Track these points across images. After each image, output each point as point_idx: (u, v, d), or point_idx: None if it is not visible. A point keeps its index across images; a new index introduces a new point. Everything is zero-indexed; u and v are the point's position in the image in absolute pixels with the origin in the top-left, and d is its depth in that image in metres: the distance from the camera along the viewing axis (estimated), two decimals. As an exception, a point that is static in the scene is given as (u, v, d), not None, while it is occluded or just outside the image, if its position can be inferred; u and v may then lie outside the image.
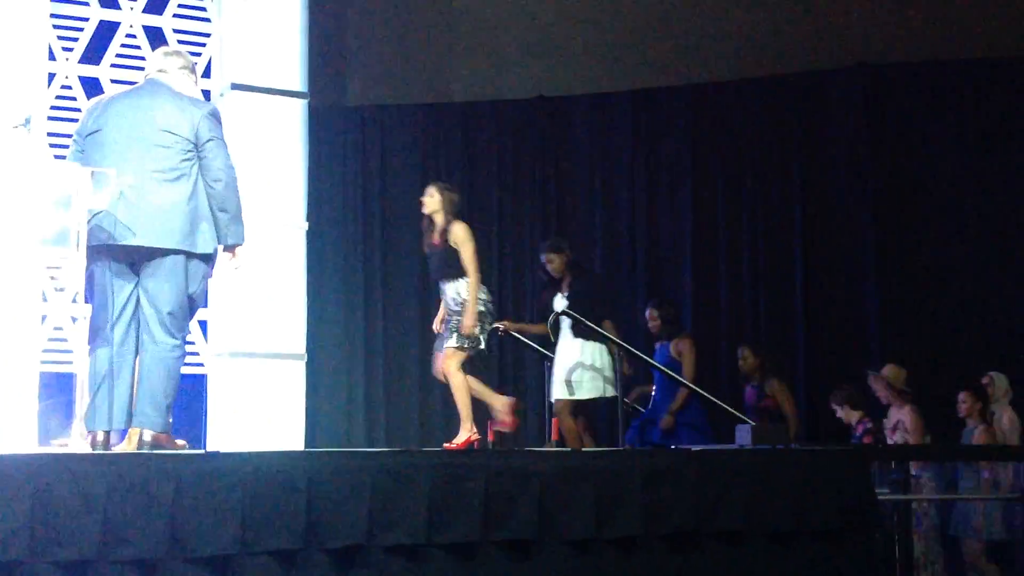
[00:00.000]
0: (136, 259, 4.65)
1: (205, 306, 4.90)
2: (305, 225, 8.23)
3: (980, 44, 8.61)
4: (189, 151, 4.66)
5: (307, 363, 8.23)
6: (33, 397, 6.74)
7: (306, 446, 7.85)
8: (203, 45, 8.23)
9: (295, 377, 8.05)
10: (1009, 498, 6.69)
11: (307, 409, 8.16)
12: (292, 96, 8.26)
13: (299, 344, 8.07)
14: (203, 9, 8.26)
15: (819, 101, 8.87)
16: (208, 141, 4.68)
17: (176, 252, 4.61)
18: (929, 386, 7.82)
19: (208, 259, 4.72)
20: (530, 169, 9.44)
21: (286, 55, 8.26)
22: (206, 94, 8.20)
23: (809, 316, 8.61)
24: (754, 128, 8.99)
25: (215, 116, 4.77)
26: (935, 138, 8.59)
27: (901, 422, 7.29)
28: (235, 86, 8.06)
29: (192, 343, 8.08)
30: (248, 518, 4.06)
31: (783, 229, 8.81)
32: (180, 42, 8.14)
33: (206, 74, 8.23)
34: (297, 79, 8.31)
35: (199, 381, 8.01)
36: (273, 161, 8.06)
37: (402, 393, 9.20)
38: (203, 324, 8.13)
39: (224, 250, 4.79)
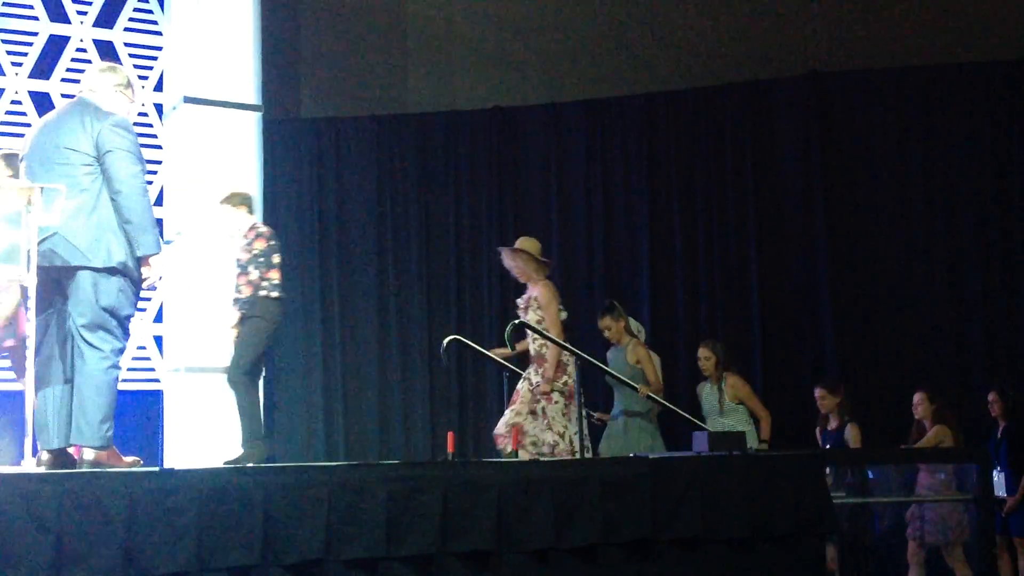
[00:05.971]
0: (60, 277, 4.65)
1: (130, 316, 4.80)
2: (261, 238, 8.17)
3: (928, 52, 8.75)
4: (89, 165, 4.65)
5: (264, 377, 8.17)
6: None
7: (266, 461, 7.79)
8: (155, 59, 8.17)
9: (252, 391, 7.99)
10: (962, 499, 6.77)
11: (265, 423, 8.09)
12: (246, 109, 8.23)
13: (256, 358, 8.01)
14: (155, 23, 8.21)
15: (770, 109, 8.96)
16: (107, 153, 4.64)
17: (82, 268, 4.60)
18: (883, 391, 7.91)
19: (117, 272, 4.64)
20: (486, 179, 9.44)
21: (239, 68, 8.22)
22: (159, 108, 8.16)
23: (765, 320, 8.68)
24: (707, 137, 9.06)
25: (120, 126, 4.72)
26: (885, 145, 8.70)
27: (534, 298, 7.04)
28: (188, 99, 8.01)
29: (148, 359, 8.00)
30: (204, 535, 4.04)
31: (737, 236, 8.88)
32: (131, 56, 8.08)
33: (158, 87, 8.17)
34: (251, 92, 8.27)
35: (155, 397, 7.93)
36: (228, 174, 8.02)
37: (361, 406, 9.16)
38: (158, 339, 8.06)
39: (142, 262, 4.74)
